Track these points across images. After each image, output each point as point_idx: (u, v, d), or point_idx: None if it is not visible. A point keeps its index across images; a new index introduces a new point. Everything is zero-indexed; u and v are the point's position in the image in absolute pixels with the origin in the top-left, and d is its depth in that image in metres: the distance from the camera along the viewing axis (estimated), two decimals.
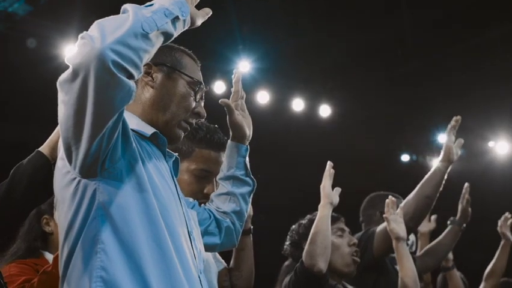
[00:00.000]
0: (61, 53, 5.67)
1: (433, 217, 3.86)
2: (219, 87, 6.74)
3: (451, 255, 3.96)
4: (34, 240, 2.48)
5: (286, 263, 3.98)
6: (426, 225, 3.96)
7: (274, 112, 7.36)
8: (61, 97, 1.45)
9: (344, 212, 3.06)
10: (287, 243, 3.06)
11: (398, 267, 3.21)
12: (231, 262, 2.63)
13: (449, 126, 3.30)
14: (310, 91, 7.70)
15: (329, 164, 2.76)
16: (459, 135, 3.33)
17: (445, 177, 3.28)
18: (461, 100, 7.30)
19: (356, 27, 6.69)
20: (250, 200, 2.17)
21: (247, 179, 2.13)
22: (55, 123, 1.58)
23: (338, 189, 2.77)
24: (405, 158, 9.16)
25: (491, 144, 8.28)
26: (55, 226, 2.50)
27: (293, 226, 3.08)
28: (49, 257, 2.45)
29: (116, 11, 1.50)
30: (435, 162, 3.35)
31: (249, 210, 2.44)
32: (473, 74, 7.25)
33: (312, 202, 2.95)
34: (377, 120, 8.24)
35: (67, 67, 1.43)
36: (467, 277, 4.42)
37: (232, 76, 2.15)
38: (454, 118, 3.30)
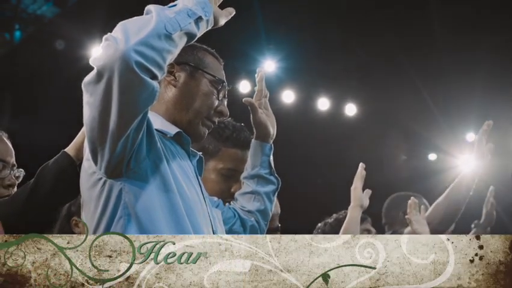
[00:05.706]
0: (89, 53, 5.73)
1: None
2: (244, 86, 6.75)
3: None
4: None
5: None
6: None
7: (299, 111, 7.34)
8: (86, 98, 1.47)
9: (370, 212, 3.03)
10: None
11: None
12: None
13: (481, 130, 3.17)
14: (335, 90, 7.66)
15: (361, 165, 2.70)
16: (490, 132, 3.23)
17: (476, 181, 3.17)
18: (490, 98, 7.18)
19: (382, 25, 6.63)
20: (275, 198, 2.16)
21: (272, 177, 2.13)
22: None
23: (368, 192, 2.71)
24: (432, 157, 9.04)
25: None
26: (84, 228, 2.53)
27: (319, 224, 3.06)
28: None
29: (143, 12, 1.51)
30: (465, 165, 3.26)
31: (277, 208, 2.44)
32: (503, 72, 7.12)
33: (338, 201, 2.93)
34: (403, 118, 8.15)
35: (92, 68, 1.44)
36: None
37: (256, 75, 2.15)
38: (486, 122, 3.16)
